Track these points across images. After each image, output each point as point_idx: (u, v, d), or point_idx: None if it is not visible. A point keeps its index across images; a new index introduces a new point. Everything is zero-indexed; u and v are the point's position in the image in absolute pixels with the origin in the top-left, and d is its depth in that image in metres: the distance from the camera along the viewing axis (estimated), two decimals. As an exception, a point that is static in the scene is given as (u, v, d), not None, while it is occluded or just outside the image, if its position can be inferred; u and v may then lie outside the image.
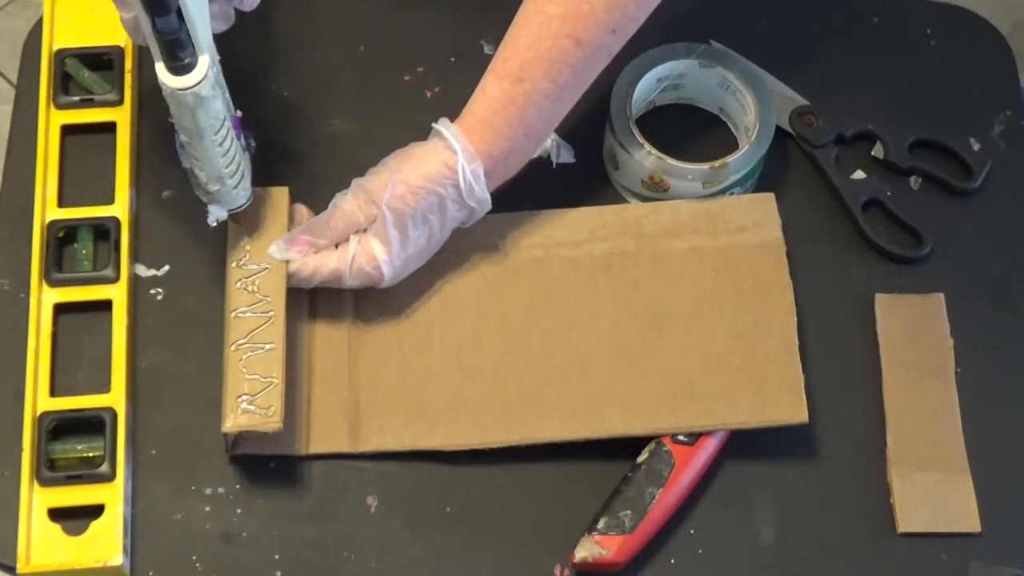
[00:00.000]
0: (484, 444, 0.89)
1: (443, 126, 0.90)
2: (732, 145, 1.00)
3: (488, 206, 0.91)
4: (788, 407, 0.89)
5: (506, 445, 0.89)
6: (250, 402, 0.87)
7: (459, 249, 0.95)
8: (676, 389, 0.90)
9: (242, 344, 0.89)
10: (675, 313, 0.93)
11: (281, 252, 0.90)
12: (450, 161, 0.89)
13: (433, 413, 0.90)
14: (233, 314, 0.90)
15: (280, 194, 0.93)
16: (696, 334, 0.92)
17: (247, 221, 0.92)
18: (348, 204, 0.90)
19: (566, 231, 0.95)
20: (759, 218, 0.95)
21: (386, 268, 0.89)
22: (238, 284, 0.90)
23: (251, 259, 0.91)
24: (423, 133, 1.01)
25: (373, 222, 0.89)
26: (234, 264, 0.91)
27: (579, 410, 0.90)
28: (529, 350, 0.92)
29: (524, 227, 0.96)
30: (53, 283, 0.93)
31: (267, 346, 0.89)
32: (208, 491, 0.89)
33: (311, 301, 0.94)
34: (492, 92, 0.89)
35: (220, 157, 0.86)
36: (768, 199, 0.96)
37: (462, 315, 0.93)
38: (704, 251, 0.94)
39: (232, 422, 0.86)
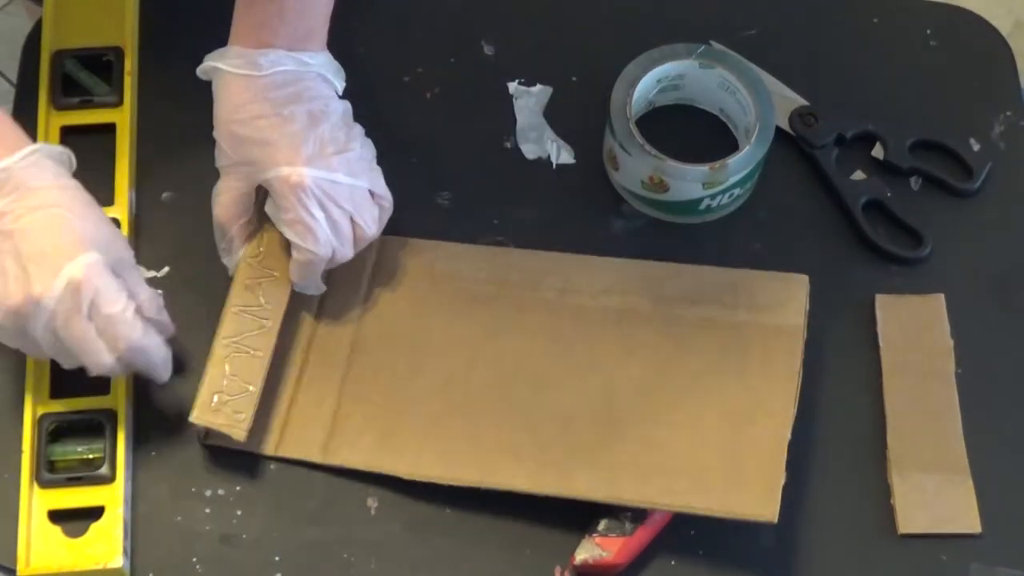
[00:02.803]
0: (446, 480, 0.87)
1: (199, 71, 0.90)
2: (732, 146, 1.00)
3: (320, 62, 0.90)
4: (759, 502, 0.84)
5: (467, 485, 0.87)
6: (224, 402, 0.87)
7: (474, 279, 0.94)
8: (650, 462, 0.87)
9: (233, 341, 0.88)
10: (672, 383, 0.90)
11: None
12: (220, 76, 0.89)
13: (405, 439, 0.89)
14: (234, 309, 0.89)
15: None
16: (688, 408, 0.89)
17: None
18: (225, 190, 0.89)
19: (585, 279, 0.93)
20: (784, 299, 0.91)
21: (318, 174, 0.87)
22: (247, 282, 0.90)
23: (264, 261, 0.91)
24: (423, 134, 1.01)
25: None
26: (248, 261, 0.91)
27: (547, 464, 0.87)
28: (515, 393, 0.90)
29: (543, 266, 0.94)
30: (53, 285, 0.93)
31: (255, 352, 0.89)
32: (208, 493, 0.89)
33: (320, 303, 0.94)
34: None
35: None
36: (800, 281, 0.92)
37: (459, 346, 0.92)
38: (718, 323, 0.91)
39: (199, 415, 0.86)
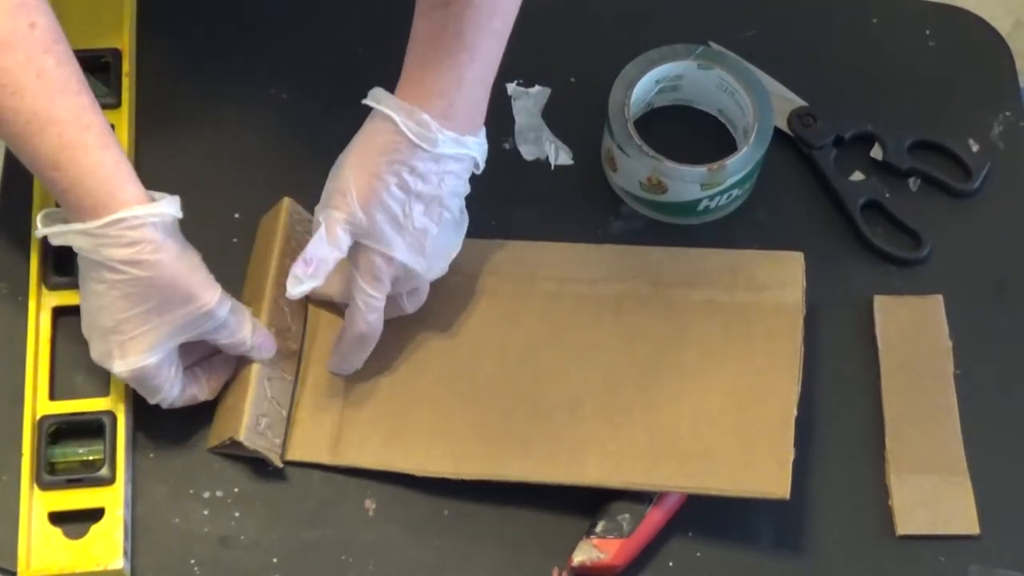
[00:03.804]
0: (457, 474, 0.87)
1: (372, 99, 0.85)
2: (731, 147, 1.00)
3: (476, 146, 0.87)
4: (771, 479, 0.84)
5: (479, 479, 0.87)
6: (268, 426, 0.88)
7: (474, 272, 0.94)
8: (661, 445, 0.87)
9: (272, 361, 0.89)
10: (676, 365, 0.90)
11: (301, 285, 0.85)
12: (391, 126, 0.84)
13: (413, 435, 0.89)
14: (273, 330, 0.90)
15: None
16: (693, 390, 0.89)
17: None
18: (316, 238, 0.84)
19: (584, 267, 0.94)
20: (782, 278, 0.92)
21: (415, 265, 0.87)
22: (278, 301, 0.91)
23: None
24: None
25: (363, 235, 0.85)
26: (279, 281, 0.91)
27: (558, 453, 0.87)
28: (521, 384, 0.90)
29: (542, 257, 0.95)
30: (52, 287, 0.93)
31: (285, 376, 0.90)
32: (206, 495, 0.89)
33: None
34: (420, 28, 0.85)
35: None
36: (796, 259, 0.92)
37: (463, 339, 0.92)
38: (718, 305, 0.92)
39: (249, 437, 0.86)
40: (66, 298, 0.93)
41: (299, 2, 1.07)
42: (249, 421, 0.87)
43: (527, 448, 0.88)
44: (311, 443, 0.90)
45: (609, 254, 0.95)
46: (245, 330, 0.86)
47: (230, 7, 1.06)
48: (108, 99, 0.99)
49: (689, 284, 0.93)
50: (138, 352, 0.83)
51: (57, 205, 0.95)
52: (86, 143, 0.79)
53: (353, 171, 0.85)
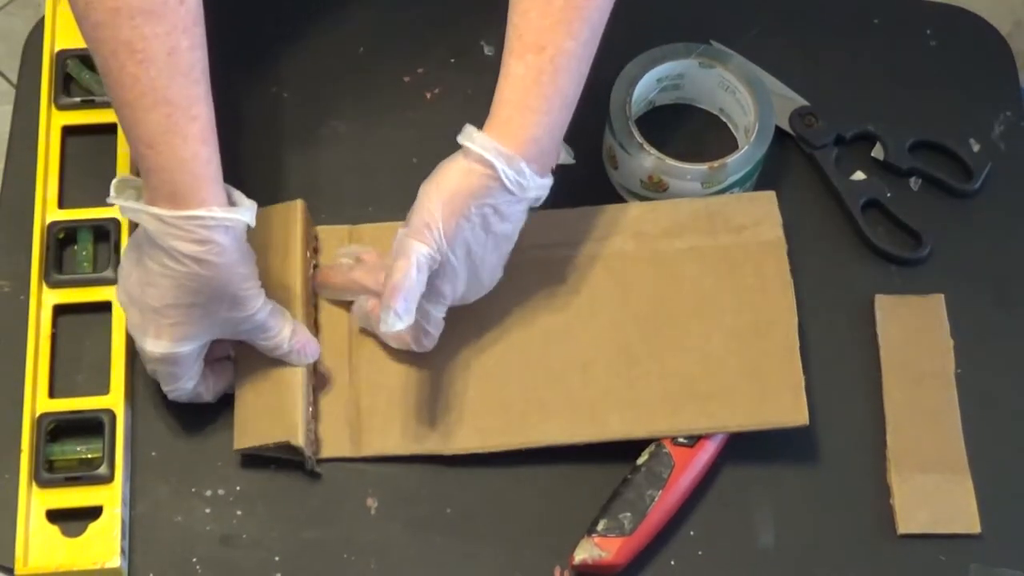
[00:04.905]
0: (484, 448, 0.89)
1: (468, 139, 0.84)
2: (731, 145, 1.00)
3: (548, 187, 0.87)
4: (788, 409, 0.88)
5: (507, 449, 0.89)
6: (309, 427, 0.88)
7: None
8: (676, 391, 0.89)
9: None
10: (675, 313, 0.92)
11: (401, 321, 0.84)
12: (489, 171, 0.84)
13: (433, 416, 0.90)
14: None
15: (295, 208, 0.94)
16: (696, 334, 0.91)
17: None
18: (408, 272, 0.83)
19: (565, 232, 0.95)
20: (759, 216, 0.95)
21: (468, 295, 0.88)
22: (308, 305, 0.91)
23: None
24: (423, 134, 1.01)
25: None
26: (304, 282, 0.91)
27: (579, 413, 0.89)
28: (529, 352, 0.91)
29: (523, 228, 0.95)
30: (53, 284, 0.93)
31: (310, 378, 0.90)
32: (208, 493, 0.89)
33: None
34: (517, 71, 0.85)
35: None
36: (769, 197, 0.95)
37: (461, 316, 0.92)
38: (704, 250, 0.94)
39: (302, 439, 0.86)
40: (67, 296, 0.93)
41: (300, 1, 1.07)
42: (301, 426, 0.87)
43: (548, 412, 0.89)
44: (333, 439, 0.90)
45: (586, 215, 0.96)
46: (284, 333, 0.87)
47: (230, 6, 1.06)
48: (108, 99, 0.99)
49: (670, 234, 0.94)
50: (174, 339, 0.83)
51: (59, 204, 0.96)
52: (188, 132, 0.80)
53: (441, 209, 0.84)
